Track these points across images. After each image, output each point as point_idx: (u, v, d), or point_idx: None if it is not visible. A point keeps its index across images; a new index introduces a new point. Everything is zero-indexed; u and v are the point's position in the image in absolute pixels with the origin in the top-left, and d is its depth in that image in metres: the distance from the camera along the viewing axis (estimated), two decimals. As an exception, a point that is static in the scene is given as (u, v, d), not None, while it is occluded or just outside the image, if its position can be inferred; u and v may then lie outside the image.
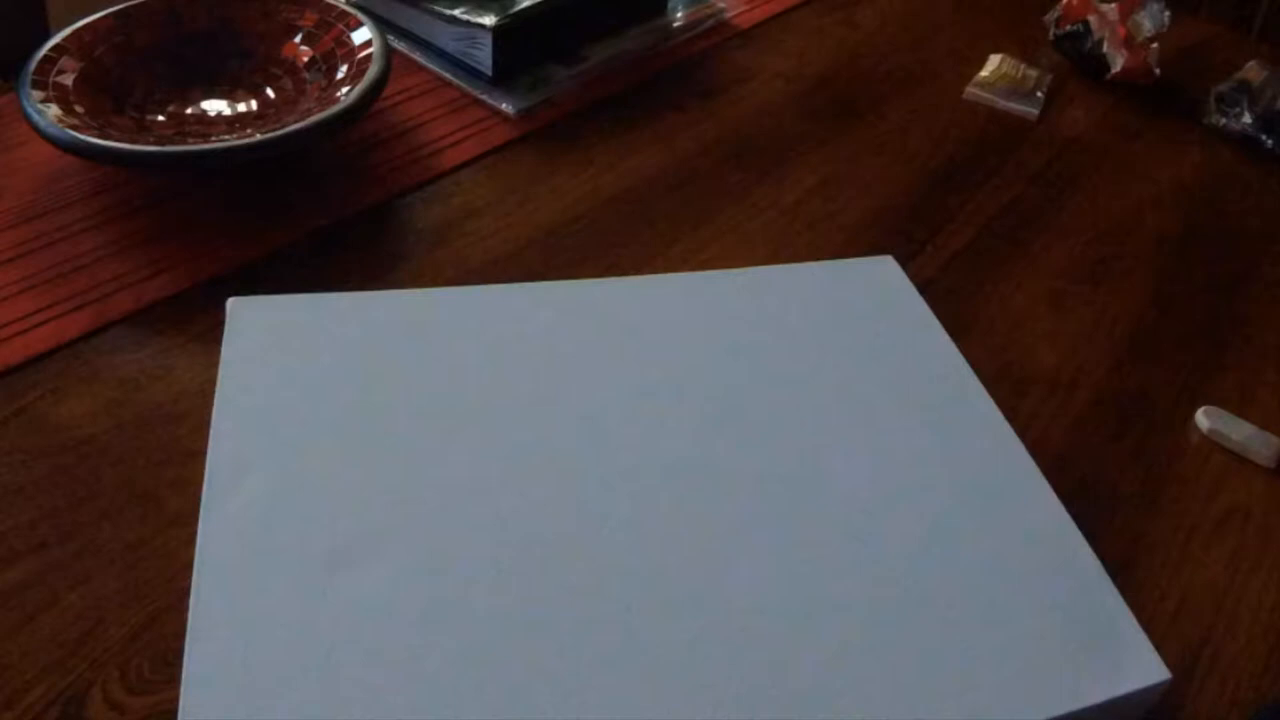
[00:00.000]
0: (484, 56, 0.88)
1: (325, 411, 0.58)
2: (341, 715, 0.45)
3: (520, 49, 0.90)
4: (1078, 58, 1.02)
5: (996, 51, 1.01)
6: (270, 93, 0.82)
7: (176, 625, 0.49)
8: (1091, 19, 1.00)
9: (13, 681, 0.48)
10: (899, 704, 0.48)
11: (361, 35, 0.82)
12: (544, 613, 0.50)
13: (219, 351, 0.60)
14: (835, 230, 0.80)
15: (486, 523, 0.53)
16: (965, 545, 0.54)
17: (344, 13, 0.84)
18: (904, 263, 0.74)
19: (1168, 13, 1.00)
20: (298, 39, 0.84)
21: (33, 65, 0.74)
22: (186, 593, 0.49)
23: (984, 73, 0.99)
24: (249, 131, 0.75)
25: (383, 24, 0.87)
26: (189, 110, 0.80)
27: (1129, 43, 0.98)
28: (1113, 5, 0.99)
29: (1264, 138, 0.94)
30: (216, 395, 0.57)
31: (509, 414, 0.59)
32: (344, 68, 0.80)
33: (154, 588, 0.52)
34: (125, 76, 0.79)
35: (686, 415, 0.60)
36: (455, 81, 0.90)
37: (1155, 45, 0.99)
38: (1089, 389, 0.70)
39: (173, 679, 0.47)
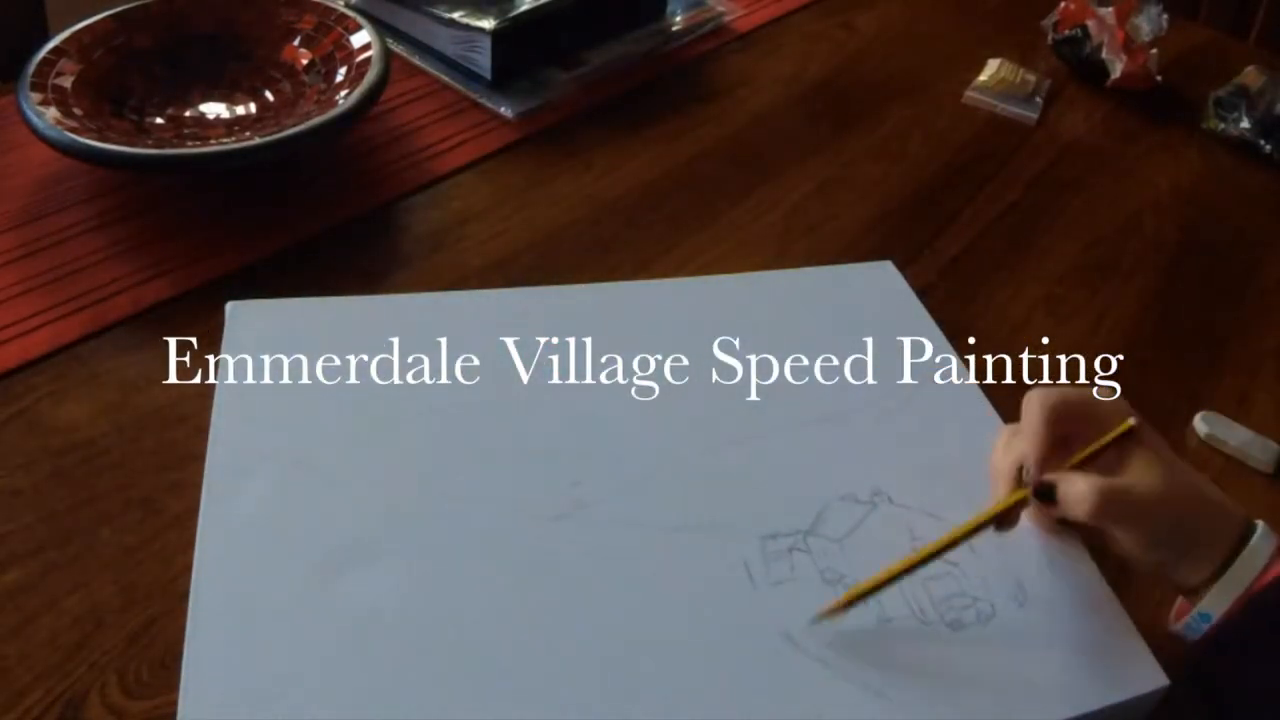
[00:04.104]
0: (483, 60, 0.88)
1: (324, 415, 0.58)
2: (339, 718, 0.45)
3: (519, 52, 0.90)
4: (1076, 62, 1.02)
5: (995, 56, 1.02)
6: (269, 95, 0.82)
7: (175, 629, 0.48)
8: (1090, 23, 1.00)
9: (11, 684, 0.48)
10: (909, 710, 0.48)
11: (360, 38, 0.82)
12: (541, 616, 0.50)
13: (218, 355, 0.60)
14: (834, 235, 0.80)
15: (483, 525, 0.53)
16: (966, 553, 0.54)
17: (343, 16, 0.84)
18: (903, 267, 0.74)
19: (1165, 16, 1.00)
20: (296, 42, 0.84)
21: (32, 67, 0.74)
22: (185, 596, 0.49)
23: (983, 77, 1.00)
24: (248, 134, 0.75)
25: (382, 27, 0.87)
26: (188, 113, 0.80)
27: (1128, 47, 0.98)
28: (1110, 10, 0.99)
29: (1262, 143, 0.94)
30: (215, 398, 0.57)
31: (507, 418, 0.59)
32: (343, 71, 0.80)
33: (152, 591, 0.52)
34: (124, 79, 0.79)
35: (685, 418, 0.60)
36: (454, 85, 0.90)
37: (1155, 51, 0.99)
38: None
39: (171, 682, 0.47)
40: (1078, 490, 0.52)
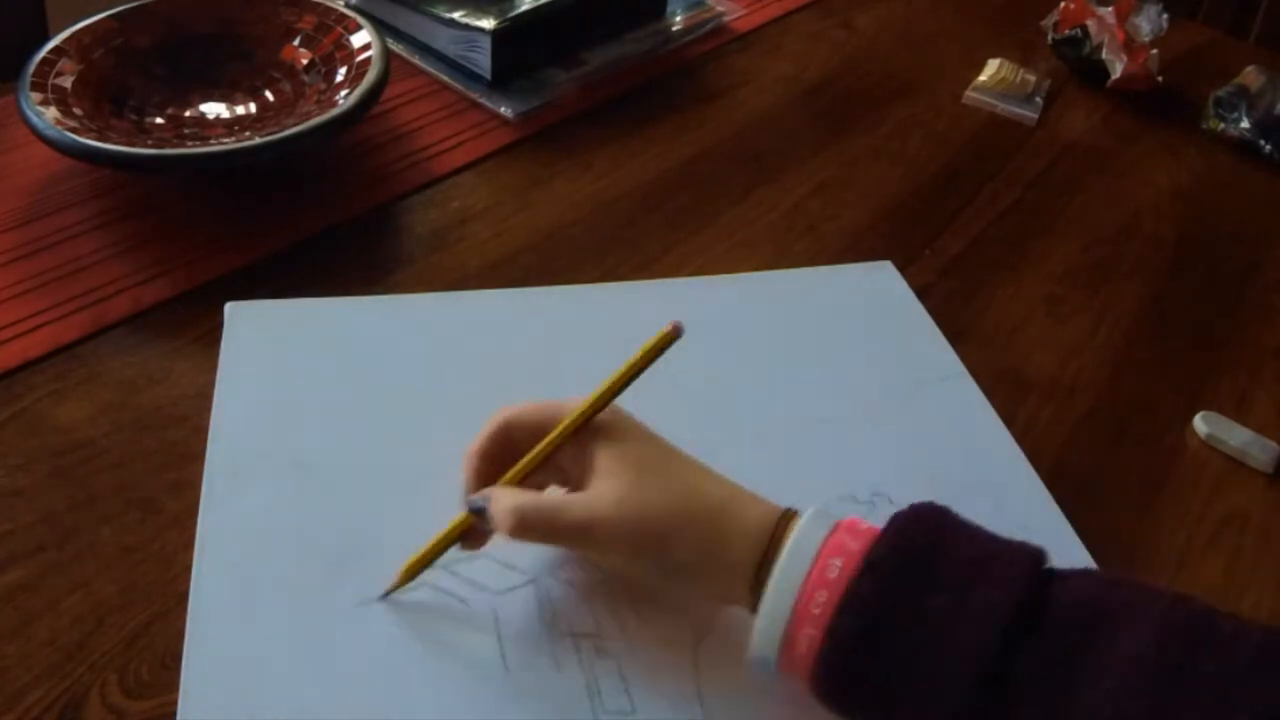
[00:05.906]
0: (483, 60, 0.88)
1: (323, 415, 0.58)
2: (339, 718, 0.45)
3: (519, 52, 0.90)
4: (1076, 62, 1.02)
5: (995, 56, 1.02)
6: (269, 95, 0.82)
7: (175, 628, 0.48)
8: (1090, 23, 1.00)
9: (11, 684, 0.48)
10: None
11: (360, 38, 0.82)
12: (541, 616, 0.50)
13: (217, 355, 0.60)
14: (834, 235, 0.80)
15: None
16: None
17: (343, 15, 0.84)
18: (902, 267, 0.74)
19: (1165, 16, 1.00)
20: (296, 42, 0.84)
21: (31, 67, 0.74)
22: (185, 596, 0.49)
23: (982, 77, 1.00)
24: (247, 134, 0.75)
25: (382, 27, 0.87)
26: (188, 113, 0.80)
27: (1128, 47, 0.98)
28: (1110, 10, 0.99)
29: (1262, 143, 0.94)
30: (215, 399, 0.58)
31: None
32: (343, 71, 0.80)
33: (152, 591, 0.52)
34: (124, 79, 0.79)
35: (685, 418, 0.60)
36: (454, 85, 0.90)
37: (1155, 51, 0.99)
38: (1087, 393, 0.70)
39: (171, 682, 0.47)
40: (500, 507, 0.45)
